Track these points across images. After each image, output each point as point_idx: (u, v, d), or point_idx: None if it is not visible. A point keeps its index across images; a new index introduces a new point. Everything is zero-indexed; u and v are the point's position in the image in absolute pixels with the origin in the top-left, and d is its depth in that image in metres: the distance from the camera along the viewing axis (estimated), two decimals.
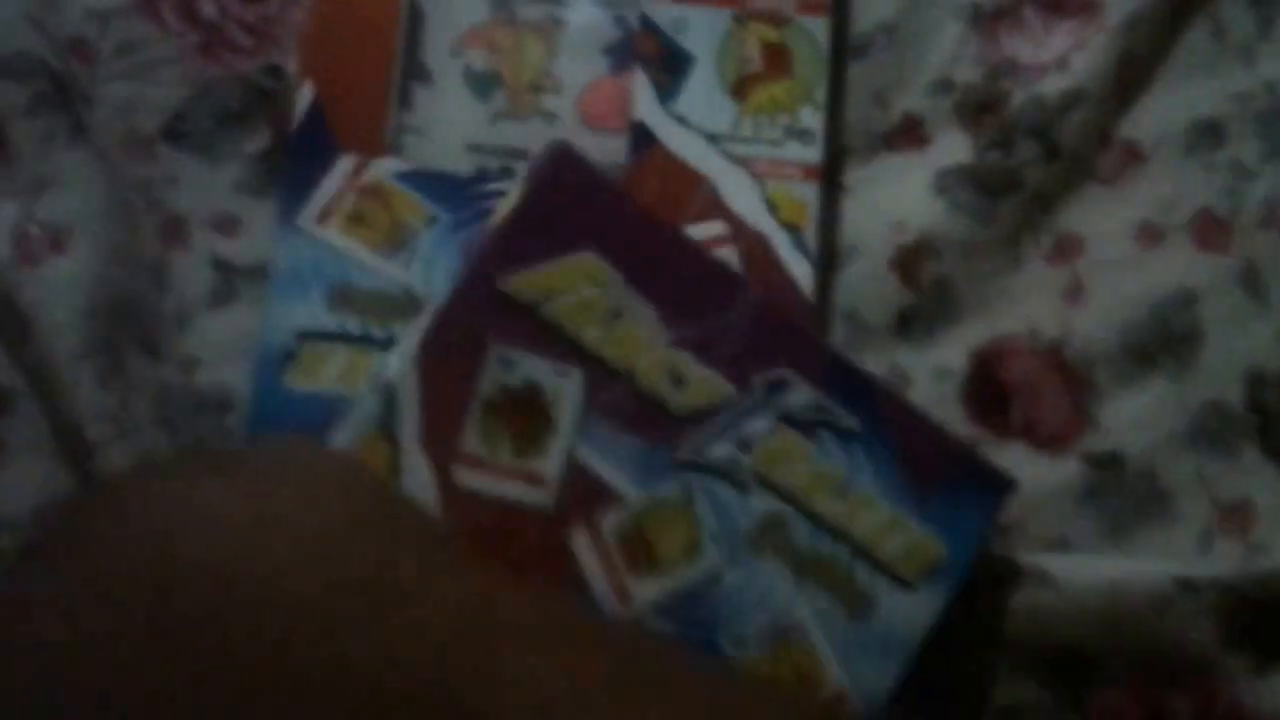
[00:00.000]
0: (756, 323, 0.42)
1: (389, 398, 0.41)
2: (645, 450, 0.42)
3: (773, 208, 0.49)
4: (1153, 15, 0.51)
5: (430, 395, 0.41)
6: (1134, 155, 0.52)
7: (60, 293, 0.46)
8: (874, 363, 0.50)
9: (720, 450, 0.42)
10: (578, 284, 0.41)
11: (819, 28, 0.51)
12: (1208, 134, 0.51)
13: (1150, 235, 0.51)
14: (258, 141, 0.49)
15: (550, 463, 0.41)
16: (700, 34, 0.50)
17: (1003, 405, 0.50)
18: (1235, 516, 0.49)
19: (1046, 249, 0.51)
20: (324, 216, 0.47)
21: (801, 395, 0.42)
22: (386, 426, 0.40)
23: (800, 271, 0.49)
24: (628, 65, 0.50)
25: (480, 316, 0.41)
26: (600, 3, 0.51)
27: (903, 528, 0.42)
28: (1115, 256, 0.51)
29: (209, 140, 0.49)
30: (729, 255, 0.48)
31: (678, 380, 0.42)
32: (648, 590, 0.41)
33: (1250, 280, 0.50)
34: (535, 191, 0.42)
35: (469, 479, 0.41)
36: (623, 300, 0.42)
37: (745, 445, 0.42)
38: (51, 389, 0.45)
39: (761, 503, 0.42)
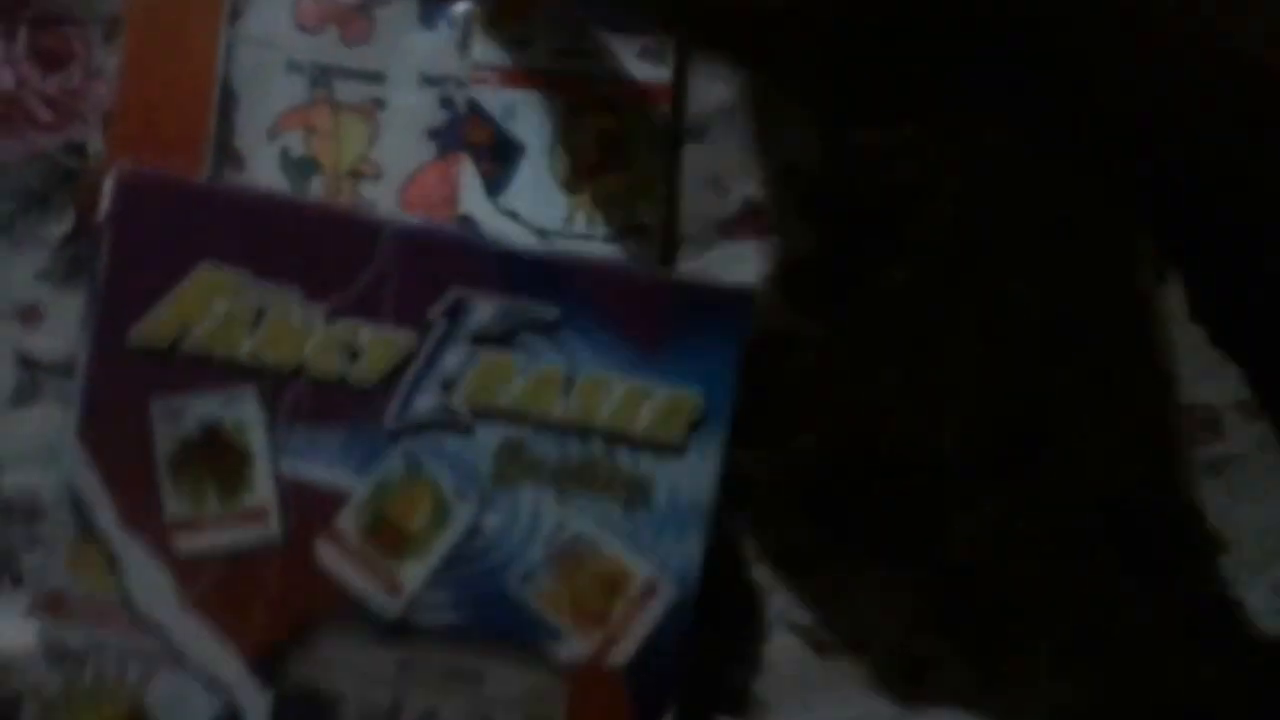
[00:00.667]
0: (408, 257, 0.39)
1: (73, 498, 0.38)
2: (350, 436, 0.39)
3: None
4: None
5: (112, 477, 0.38)
6: None
7: None
8: None
9: (425, 403, 0.39)
10: (207, 303, 0.38)
11: (659, 115, 0.45)
12: None
13: None
14: (62, 225, 0.46)
15: (261, 493, 0.39)
16: (532, 121, 0.45)
17: None
18: None
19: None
20: None
21: (485, 309, 0.39)
22: (85, 528, 0.38)
23: None
24: (455, 151, 0.45)
25: (126, 381, 0.38)
26: (425, 84, 0.45)
27: (647, 395, 0.39)
28: None
29: (9, 224, 0.46)
30: None
31: (352, 353, 0.39)
32: (415, 571, 0.39)
33: None
34: (117, 231, 0.38)
35: (190, 543, 0.38)
36: (260, 297, 0.38)
37: (449, 385, 0.39)
38: None
39: (491, 435, 0.39)
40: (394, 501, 0.39)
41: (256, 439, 0.39)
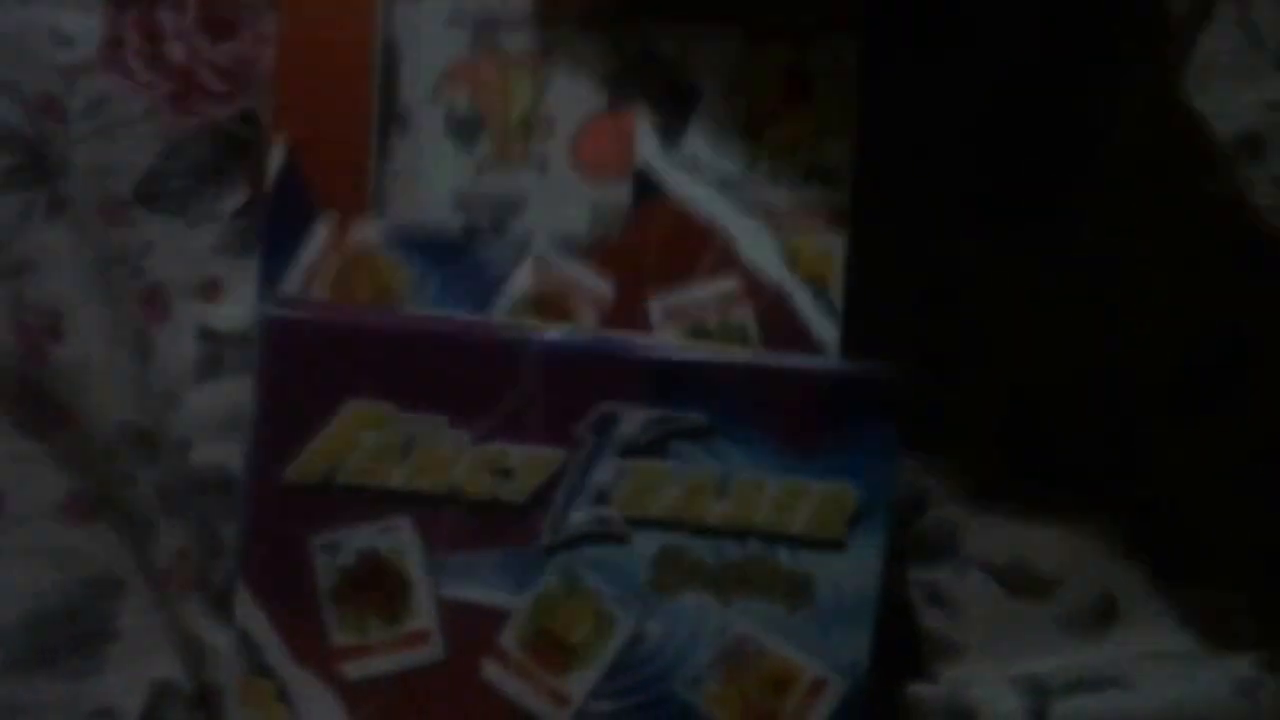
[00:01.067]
0: (553, 373, 0.38)
1: (243, 637, 0.39)
2: (507, 555, 0.39)
3: (793, 260, 0.43)
4: None
5: (278, 614, 0.39)
6: None
7: (74, 385, 0.44)
8: None
9: (579, 516, 0.39)
10: (357, 437, 0.38)
11: (847, 46, 0.43)
12: None
13: None
14: (236, 198, 0.46)
15: (424, 617, 0.39)
16: (708, 62, 0.43)
17: None
18: None
19: None
20: (307, 284, 0.43)
21: (633, 421, 0.38)
22: (257, 665, 0.39)
23: (825, 332, 0.42)
24: (627, 99, 0.43)
25: (284, 518, 0.38)
26: (594, 29, 0.43)
27: (803, 492, 0.39)
28: None
29: (184, 201, 0.46)
30: (744, 314, 0.42)
31: (504, 473, 0.38)
32: (580, 682, 0.39)
33: None
34: (268, 372, 0.38)
35: (358, 670, 0.39)
36: (407, 426, 0.38)
37: (602, 497, 0.39)
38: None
39: (648, 543, 0.39)
40: (554, 615, 0.39)
41: (414, 565, 0.39)
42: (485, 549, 0.39)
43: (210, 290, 0.45)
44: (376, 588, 0.39)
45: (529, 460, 0.38)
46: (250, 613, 0.38)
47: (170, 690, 0.44)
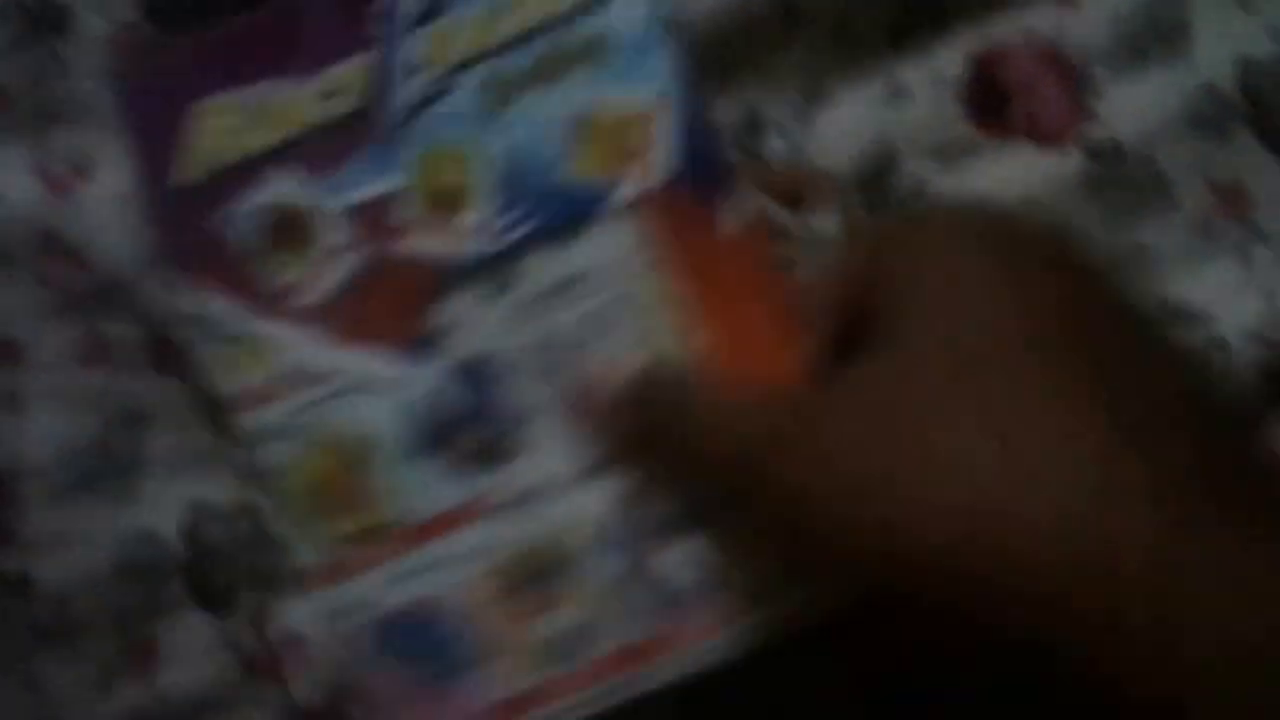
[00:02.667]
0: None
1: (199, 320, 0.45)
2: (371, 151, 0.45)
3: None
4: None
5: (218, 294, 0.45)
6: None
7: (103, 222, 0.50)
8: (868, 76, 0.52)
9: (406, 90, 0.45)
10: (215, 126, 0.45)
11: None
12: None
13: None
14: None
15: (333, 234, 0.45)
16: None
17: (1002, 105, 0.52)
18: (1231, 200, 0.51)
19: None
20: None
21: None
22: (222, 337, 0.45)
23: None
24: None
25: (182, 215, 0.45)
26: None
27: None
28: None
29: None
30: None
31: (334, 95, 0.45)
32: (478, 214, 0.45)
33: None
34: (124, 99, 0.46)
35: (302, 299, 0.45)
36: (249, 100, 0.45)
37: (416, 70, 0.45)
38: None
39: (469, 80, 0.45)
40: (430, 176, 0.45)
41: (307, 196, 0.45)
42: (352, 155, 0.45)
43: None
44: (288, 229, 0.45)
45: (345, 73, 0.45)
46: (197, 299, 0.45)
47: (207, 508, 0.49)
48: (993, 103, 0.52)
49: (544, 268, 0.45)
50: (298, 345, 0.45)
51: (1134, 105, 0.51)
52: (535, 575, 0.44)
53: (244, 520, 0.49)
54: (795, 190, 0.50)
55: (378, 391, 0.44)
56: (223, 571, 0.49)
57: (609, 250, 0.45)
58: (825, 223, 0.51)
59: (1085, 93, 0.52)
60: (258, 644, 0.48)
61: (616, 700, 0.43)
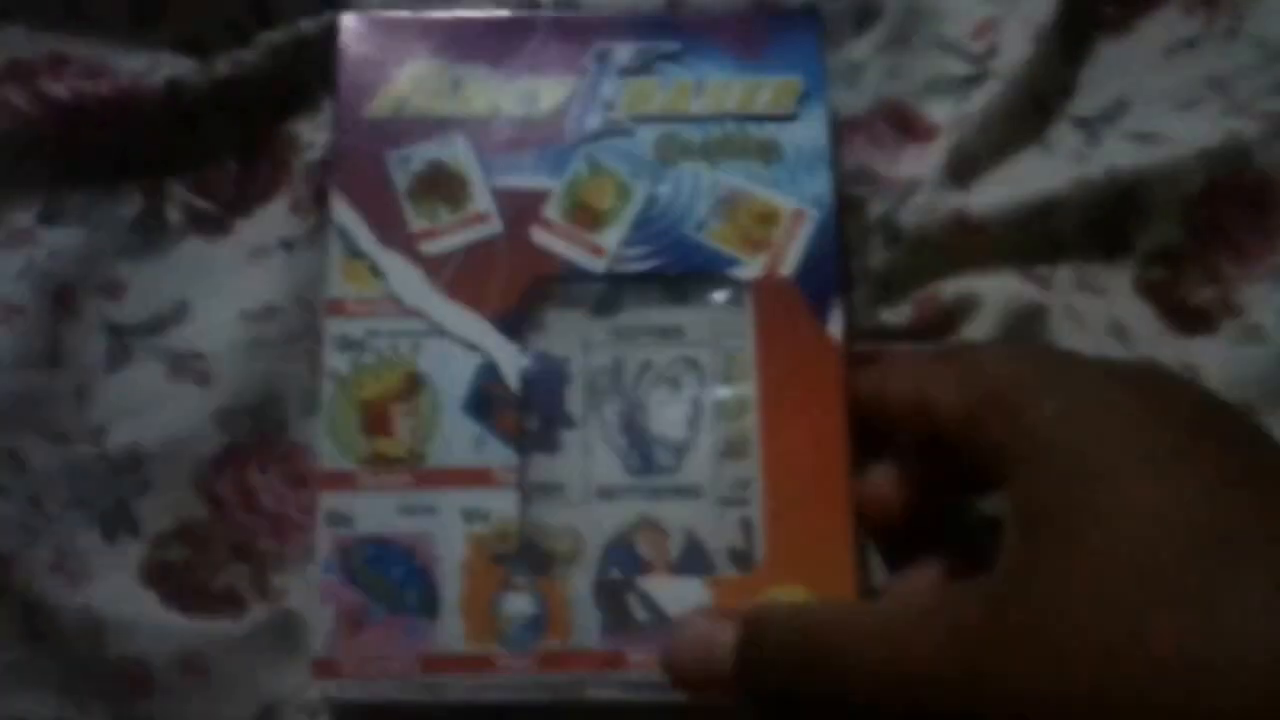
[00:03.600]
0: (560, 31, 0.52)
1: (340, 230, 0.49)
2: (542, 153, 0.50)
3: None
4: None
5: (365, 210, 0.49)
6: None
7: None
8: None
9: (593, 119, 0.50)
10: (418, 83, 0.51)
11: None
12: None
13: None
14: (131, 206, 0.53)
15: (482, 202, 0.49)
16: None
17: None
18: None
19: None
20: None
21: (624, 51, 0.51)
22: (352, 249, 0.48)
23: None
24: None
25: (366, 141, 0.50)
26: None
27: (760, 85, 0.51)
28: None
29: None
30: None
31: (532, 99, 0.51)
32: (611, 236, 0.49)
33: None
34: (349, 51, 0.51)
35: (433, 247, 0.49)
36: (456, 73, 0.51)
37: (610, 106, 0.50)
38: None
39: (648, 133, 0.50)
40: (585, 190, 0.49)
41: (470, 166, 0.50)
42: (525, 151, 0.50)
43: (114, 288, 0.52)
44: (443, 185, 0.49)
45: (550, 86, 0.51)
46: (344, 210, 0.49)
47: None
48: None
49: (651, 308, 0.48)
50: (409, 281, 0.48)
51: None
52: (522, 558, 0.45)
53: None
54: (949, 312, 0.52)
55: (459, 345, 0.47)
56: None
57: (715, 318, 0.48)
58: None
59: None
60: None
61: (550, 699, 0.43)
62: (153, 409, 0.50)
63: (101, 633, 0.47)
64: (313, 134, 0.54)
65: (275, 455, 0.50)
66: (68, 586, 0.48)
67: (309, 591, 0.47)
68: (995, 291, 0.50)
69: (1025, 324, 0.50)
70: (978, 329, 0.50)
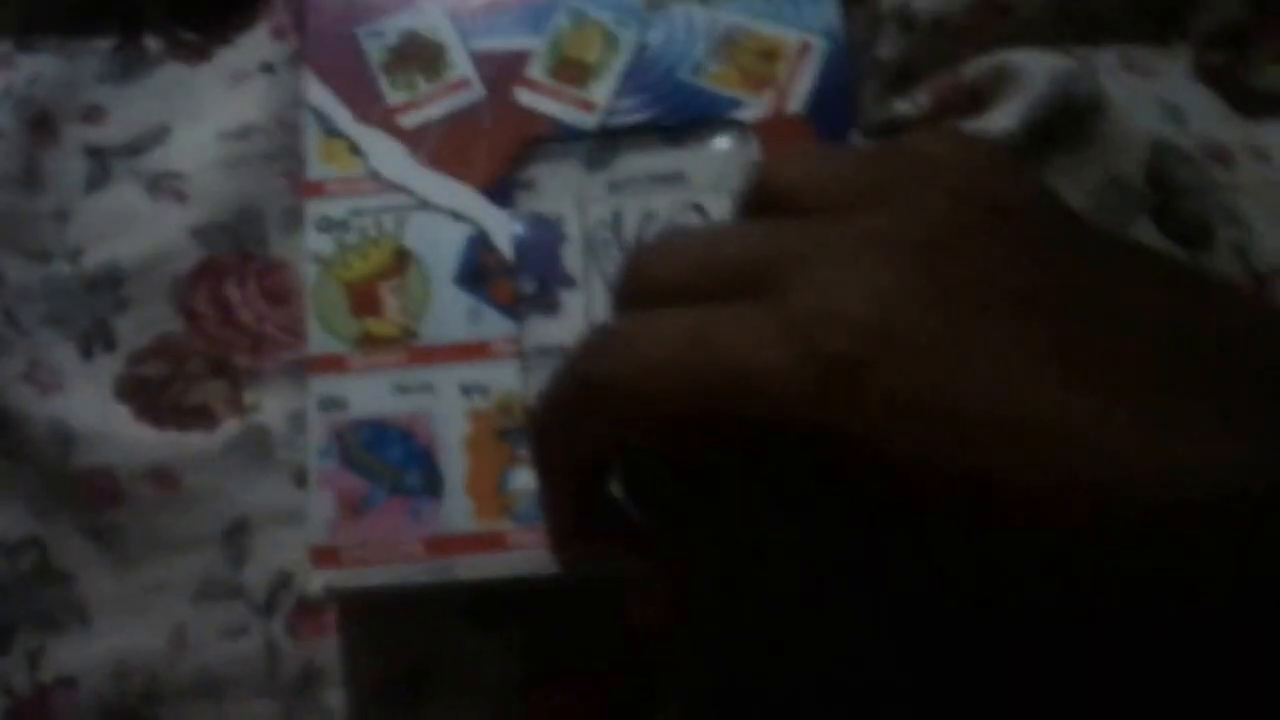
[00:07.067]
0: None
1: (315, 111, 0.46)
2: (522, 8, 0.47)
3: None
4: None
5: (339, 88, 0.46)
6: None
7: None
8: None
9: None
10: None
11: None
12: None
13: None
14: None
15: (462, 68, 0.46)
16: None
17: None
18: None
19: None
20: None
21: None
22: (329, 129, 0.45)
23: None
24: None
25: (336, 19, 0.47)
26: None
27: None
28: None
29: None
30: None
31: None
32: (601, 89, 0.45)
33: None
34: None
35: (412, 120, 0.45)
36: None
37: None
38: None
39: None
40: (569, 45, 0.46)
41: (445, 31, 0.46)
42: (503, 9, 0.47)
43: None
44: (418, 55, 0.46)
45: None
46: (318, 91, 0.46)
47: None
48: None
49: (649, 156, 0.45)
50: (390, 156, 0.45)
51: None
52: (523, 430, 0.42)
53: (29, 553, 0.46)
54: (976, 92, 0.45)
55: (446, 217, 0.44)
56: (2, 610, 0.45)
57: (718, 160, 0.45)
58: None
59: None
60: (30, 687, 0.44)
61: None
62: (132, 228, 0.49)
63: (70, 443, 0.45)
64: None
65: (253, 270, 0.48)
66: (38, 396, 0.46)
67: (282, 405, 0.45)
68: (1034, 62, 0.44)
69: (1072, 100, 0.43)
70: (1013, 109, 0.43)
